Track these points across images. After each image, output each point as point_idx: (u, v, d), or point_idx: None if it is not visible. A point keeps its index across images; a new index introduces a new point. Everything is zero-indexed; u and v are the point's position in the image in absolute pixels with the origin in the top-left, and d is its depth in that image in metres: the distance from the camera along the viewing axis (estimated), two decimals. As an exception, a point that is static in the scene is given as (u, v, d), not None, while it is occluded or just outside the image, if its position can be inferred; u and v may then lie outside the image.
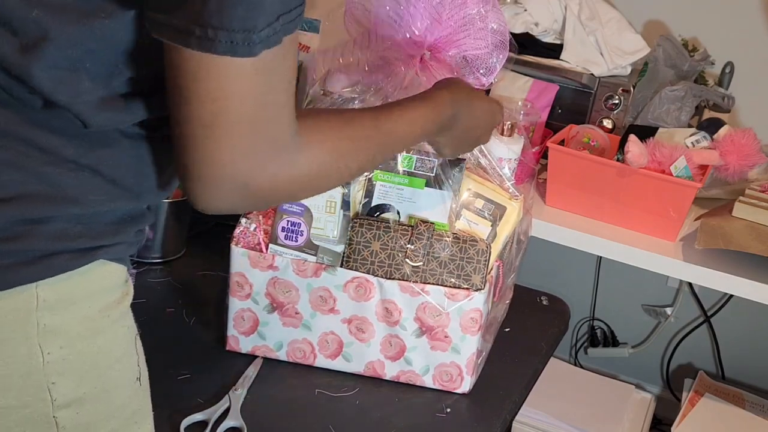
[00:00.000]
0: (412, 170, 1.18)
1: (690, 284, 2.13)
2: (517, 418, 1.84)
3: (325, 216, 1.18)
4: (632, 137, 1.45)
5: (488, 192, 1.20)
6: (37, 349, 0.72)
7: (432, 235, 1.16)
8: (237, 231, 1.20)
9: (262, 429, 1.11)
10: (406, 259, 1.16)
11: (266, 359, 1.24)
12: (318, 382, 1.21)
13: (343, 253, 1.18)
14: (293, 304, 1.20)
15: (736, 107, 1.82)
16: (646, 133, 1.55)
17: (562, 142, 1.58)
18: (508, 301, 1.36)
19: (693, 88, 1.72)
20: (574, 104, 1.72)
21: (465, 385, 1.21)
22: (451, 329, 1.17)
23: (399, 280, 1.16)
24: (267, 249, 1.19)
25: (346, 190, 1.18)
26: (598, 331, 2.36)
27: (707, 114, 1.76)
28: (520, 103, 1.55)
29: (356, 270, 1.17)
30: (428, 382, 1.21)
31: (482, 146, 1.18)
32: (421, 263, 1.16)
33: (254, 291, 1.20)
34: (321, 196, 1.17)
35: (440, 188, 1.18)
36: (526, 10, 1.74)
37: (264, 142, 0.70)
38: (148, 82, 0.75)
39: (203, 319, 1.32)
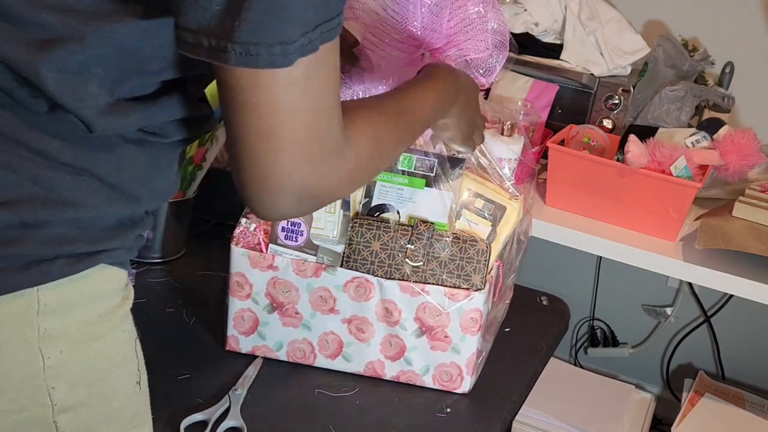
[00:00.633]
0: (412, 170, 1.18)
1: (690, 284, 2.13)
2: (517, 418, 1.84)
3: (325, 216, 1.18)
4: (632, 137, 1.45)
5: (488, 192, 1.20)
6: (38, 353, 0.72)
7: (432, 235, 1.16)
8: (237, 231, 1.20)
9: (262, 429, 1.11)
10: (406, 259, 1.16)
11: (266, 359, 1.24)
12: (318, 382, 1.21)
13: (343, 253, 1.18)
14: (293, 304, 1.20)
15: (736, 107, 1.82)
16: (646, 133, 1.55)
17: (562, 142, 1.58)
18: (508, 301, 1.36)
19: (693, 88, 1.72)
20: (574, 104, 1.72)
21: (465, 385, 1.21)
22: (451, 329, 1.17)
23: (399, 280, 1.16)
24: (267, 249, 1.19)
25: (346, 190, 1.18)
26: (598, 331, 2.36)
27: (707, 114, 1.76)
28: (520, 103, 1.55)
29: (356, 270, 1.17)
30: (428, 382, 1.21)
31: (482, 146, 1.18)
32: (421, 263, 1.16)
33: (254, 291, 1.20)
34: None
35: (440, 188, 1.18)
36: (526, 10, 1.74)
37: (320, 146, 0.71)
38: (154, 88, 0.75)
39: (203, 319, 1.32)
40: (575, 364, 2.36)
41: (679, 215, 1.47)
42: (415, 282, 1.16)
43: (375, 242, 1.16)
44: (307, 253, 1.18)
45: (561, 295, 1.55)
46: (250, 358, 1.24)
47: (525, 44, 1.73)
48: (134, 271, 1.39)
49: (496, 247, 1.20)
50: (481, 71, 1.15)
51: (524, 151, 1.36)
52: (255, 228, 1.20)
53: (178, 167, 0.85)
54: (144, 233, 0.83)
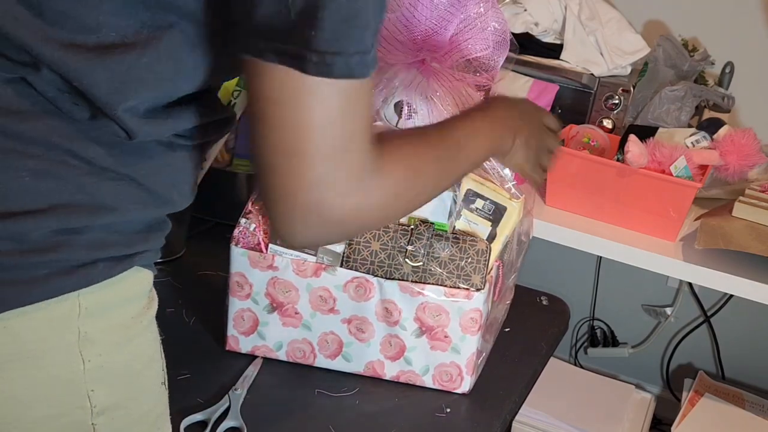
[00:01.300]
0: (412, 170, 1.18)
1: (690, 284, 2.13)
2: (517, 418, 1.84)
3: (325, 216, 1.18)
4: (632, 137, 1.45)
5: (488, 192, 1.20)
6: (78, 357, 0.72)
7: (432, 235, 1.16)
8: (237, 231, 1.20)
9: (262, 429, 1.11)
10: (406, 259, 1.16)
11: (266, 359, 1.24)
12: (318, 382, 1.21)
13: (343, 253, 1.18)
14: (293, 304, 1.20)
15: (736, 107, 1.82)
16: (646, 133, 1.55)
17: (562, 142, 1.58)
18: (508, 302, 1.36)
19: (693, 88, 1.72)
20: (574, 104, 1.72)
21: (465, 385, 1.21)
22: (451, 329, 1.17)
23: (399, 280, 1.16)
24: (267, 249, 1.19)
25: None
26: (598, 331, 2.36)
27: (707, 114, 1.76)
28: (520, 103, 1.55)
29: (356, 270, 1.17)
30: (428, 382, 1.21)
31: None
32: (421, 263, 1.16)
33: (254, 291, 1.20)
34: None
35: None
36: (525, 10, 1.74)
37: (348, 171, 0.69)
38: (190, 94, 0.75)
39: (203, 319, 1.32)
40: (575, 364, 2.36)
41: (679, 215, 1.47)
42: (415, 282, 1.16)
43: (375, 242, 1.16)
44: (306, 252, 1.18)
45: (561, 295, 1.55)
46: (250, 358, 1.24)
47: (525, 44, 1.73)
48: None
49: (496, 247, 1.20)
50: (482, 70, 1.15)
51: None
52: (255, 228, 1.20)
53: (196, 170, 0.85)
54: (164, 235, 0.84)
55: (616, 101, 1.69)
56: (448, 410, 1.18)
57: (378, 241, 1.16)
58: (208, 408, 1.12)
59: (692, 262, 1.44)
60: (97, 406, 0.75)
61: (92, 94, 0.69)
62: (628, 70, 1.73)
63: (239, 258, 1.19)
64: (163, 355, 0.85)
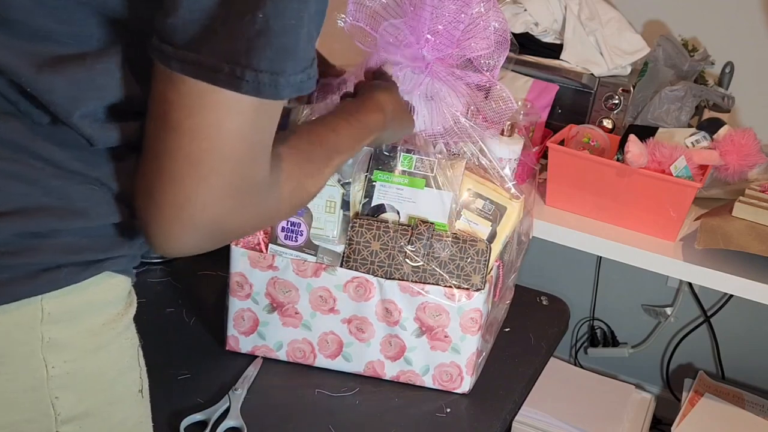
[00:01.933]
0: (412, 170, 1.18)
1: (690, 284, 2.13)
2: (517, 418, 1.84)
3: (325, 216, 1.18)
4: (632, 137, 1.45)
5: (488, 192, 1.20)
6: (42, 363, 0.71)
7: (432, 235, 1.16)
8: (237, 231, 1.20)
9: (262, 429, 1.11)
10: (406, 259, 1.16)
11: (266, 359, 1.24)
12: (318, 382, 1.21)
13: (343, 253, 1.18)
14: (293, 304, 1.20)
15: (736, 107, 1.82)
16: (646, 133, 1.55)
17: (562, 142, 1.58)
18: (508, 302, 1.36)
19: (693, 88, 1.72)
20: (574, 104, 1.72)
21: (465, 385, 1.21)
22: (451, 329, 1.17)
23: (399, 280, 1.16)
24: (267, 249, 1.19)
25: (346, 190, 1.18)
26: (598, 331, 2.36)
27: (707, 114, 1.76)
28: (520, 103, 1.55)
29: (356, 270, 1.17)
30: (428, 382, 1.21)
31: (482, 146, 1.18)
32: (421, 263, 1.16)
33: (254, 291, 1.20)
34: (320, 196, 1.17)
35: (440, 188, 1.18)
36: (525, 10, 1.74)
37: (245, 183, 0.69)
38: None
39: (203, 319, 1.32)
40: (575, 364, 2.36)
41: (679, 215, 1.47)
42: (415, 282, 1.16)
43: (375, 242, 1.16)
44: (307, 253, 1.18)
45: (561, 295, 1.55)
46: (250, 358, 1.24)
47: (525, 44, 1.73)
48: (134, 271, 1.39)
49: (496, 247, 1.20)
50: (484, 70, 1.15)
51: (524, 151, 1.35)
52: (255, 228, 1.20)
53: None
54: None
55: (616, 101, 1.69)
56: (448, 410, 1.18)
57: (378, 241, 1.16)
58: (208, 408, 1.12)
59: (692, 262, 1.44)
60: (62, 414, 0.73)
61: (47, 100, 0.68)
62: (628, 70, 1.73)
63: (239, 258, 1.19)
64: (142, 363, 0.82)
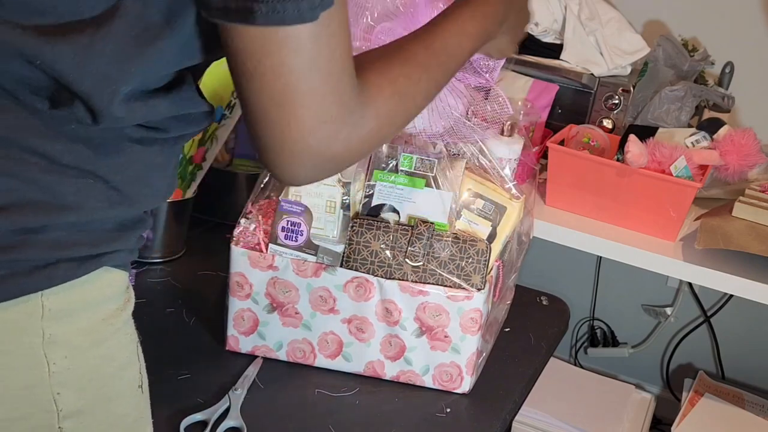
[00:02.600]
0: (412, 170, 1.18)
1: (690, 284, 2.13)
2: (517, 418, 1.84)
3: (325, 216, 1.18)
4: (632, 137, 1.45)
5: (488, 192, 1.20)
6: (43, 359, 0.71)
7: (432, 235, 1.16)
8: (237, 231, 1.20)
9: (262, 429, 1.11)
10: (406, 259, 1.16)
11: (266, 359, 1.24)
12: (318, 382, 1.21)
13: (343, 253, 1.18)
14: (293, 304, 1.20)
15: (736, 107, 1.82)
16: (646, 133, 1.55)
17: (562, 142, 1.58)
18: (508, 302, 1.36)
19: (693, 88, 1.72)
20: (574, 104, 1.72)
21: (465, 385, 1.21)
22: (451, 329, 1.17)
23: (399, 280, 1.16)
24: (267, 249, 1.19)
25: (346, 190, 1.18)
26: (598, 331, 2.36)
27: (707, 114, 1.76)
28: (520, 103, 1.55)
29: (356, 270, 1.17)
30: (428, 382, 1.21)
31: (482, 146, 1.18)
32: (421, 263, 1.16)
33: (254, 291, 1.20)
34: (320, 196, 1.17)
35: (440, 188, 1.18)
36: (526, 10, 1.74)
37: (334, 107, 0.70)
38: (162, 81, 0.74)
39: (203, 319, 1.32)
40: (575, 364, 2.36)
41: (679, 215, 1.47)
42: (415, 282, 1.16)
43: (375, 242, 1.16)
44: (307, 253, 1.18)
45: (561, 295, 1.55)
46: (250, 358, 1.24)
47: (525, 44, 1.73)
48: (134, 271, 1.39)
49: (496, 247, 1.20)
50: (483, 69, 1.15)
51: (524, 151, 1.35)
52: (255, 228, 1.20)
53: (175, 166, 0.84)
54: (144, 234, 0.82)
55: (616, 101, 1.69)
56: (448, 410, 1.18)
57: (378, 241, 1.16)
58: (208, 408, 1.12)
59: (692, 262, 1.44)
60: (64, 410, 0.73)
61: (57, 70, 0.67)
62: (628, 70, 1.73)
63: (239, 258, 1.19)
64: (141, 358, 0.82)
